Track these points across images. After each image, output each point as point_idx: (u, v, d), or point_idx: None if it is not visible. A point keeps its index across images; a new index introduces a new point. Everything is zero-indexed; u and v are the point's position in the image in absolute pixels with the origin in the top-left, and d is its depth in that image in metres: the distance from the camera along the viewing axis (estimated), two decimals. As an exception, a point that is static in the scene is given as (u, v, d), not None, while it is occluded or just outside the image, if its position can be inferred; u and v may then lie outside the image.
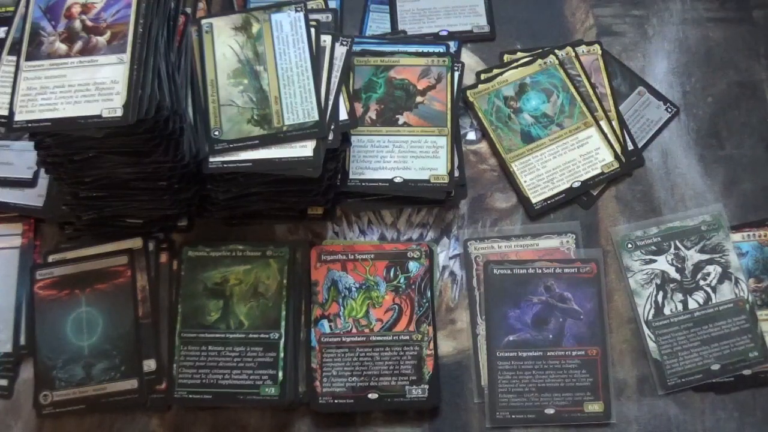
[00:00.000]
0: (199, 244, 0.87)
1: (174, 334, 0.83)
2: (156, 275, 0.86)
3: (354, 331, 0.84)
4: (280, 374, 0.81)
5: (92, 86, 0.72)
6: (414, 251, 0.87)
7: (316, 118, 0.80)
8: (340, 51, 0.85)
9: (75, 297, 0.85)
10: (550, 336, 0.84)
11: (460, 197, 0.90)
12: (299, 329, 0.84)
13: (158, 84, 0.73)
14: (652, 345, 0.84)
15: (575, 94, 0.95)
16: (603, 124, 0.94)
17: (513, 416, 0.82)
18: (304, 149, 0.79)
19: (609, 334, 0.85)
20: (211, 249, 0.86)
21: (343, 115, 0.82)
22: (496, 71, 0.97)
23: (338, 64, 0.85)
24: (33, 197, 0.89)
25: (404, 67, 0.93)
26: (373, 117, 0.91)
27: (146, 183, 0.80)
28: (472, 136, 0.94)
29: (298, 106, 0.81)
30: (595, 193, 0.92)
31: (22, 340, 0.85)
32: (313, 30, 0.84)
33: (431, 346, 0.83)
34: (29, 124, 0.72)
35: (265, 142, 0.80)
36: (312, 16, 0.85)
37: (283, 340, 0.82)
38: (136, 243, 0.86)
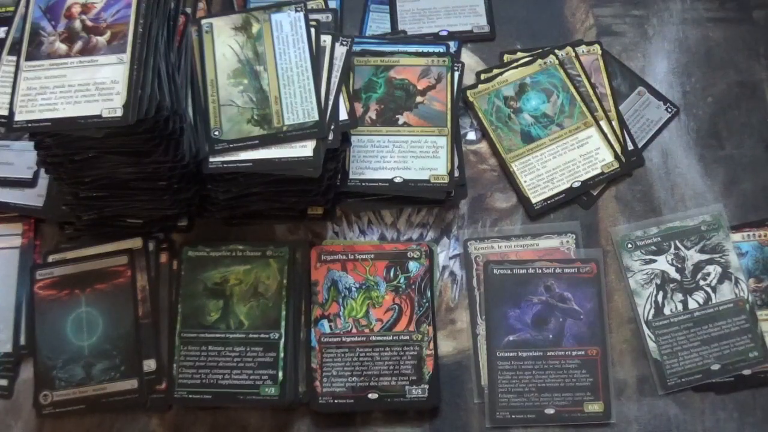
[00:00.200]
0: (199, 244, 0.87)
1: (174, 334, 0.83)
2: (156, 275, 0.86)
3: (354, 331, 0.84)
4: (280, 374, 0.81)
5: (92, 86, 0.72)
6: (414, 251, 0.87)
7: (316, 118, 0.80)
8: (340, 51, 0.85)
9: (75, 297, 0.85)
10: (550, 336, 0.84)
11: (460, 197, 0.90)
12: (299, 329, 0.84)
13: (158, 84, 0.73)
14: (652, 345, 0.84)
15: (575, 94, 0.95)
16: (603, 124, 0.94)
17: (513, 416, 0.82)
18: (304, 149, 0.79)
19: (609, 334, 0.85)
20: (211, 249, 0.86)
21: (343, 115, 0.82)
22: (496, 71, 0.97)
23: (338, 64, 0.85)
24: (33, 197, 0.89)
25: (404, 67, 0.93)
26: (373, 117, 0.91)
27: (146, 183, 0.80)
28: (472, 136, 0.94)
29: (298, 106, 0.81)
30: (595, 193, 0.92)
31: (22, 340, 0.86)
32: (313, 30, 0.84)
33: (431, 346, 0.83)
34: (29, 124, 0.72)
35: (265, 142, 0.80)
36: (312, 16, 0.85)
37: (283, 340, 0.82)
38: (136, 243, 0.86)
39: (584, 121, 0.94)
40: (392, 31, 1.00)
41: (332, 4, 0.99)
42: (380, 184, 0.88)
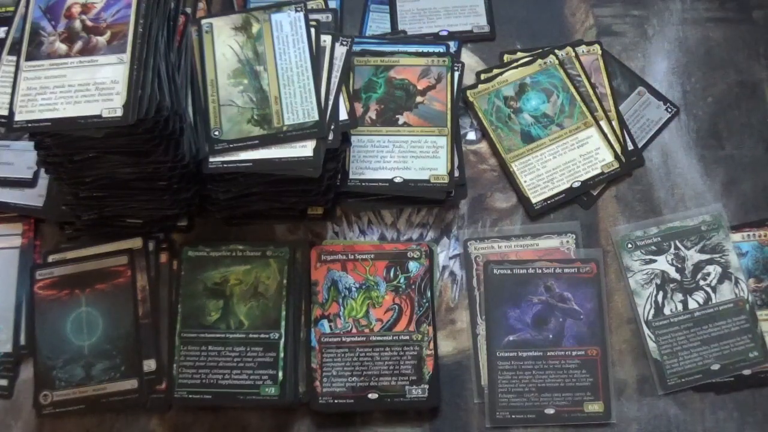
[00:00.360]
0: (199, 244, 0.87)
1: (174, 334, 0.83)
2: (156, 275, 0.86)
3: (354, 331, 0.84)
4: (280, 374, 0.81)
5: (92, 86, 0.72)
6: (414, 251, 0.87)
7: (316, 118, 0.80)
8: (340, 51, 0.85)
9: (75, 297, 0.85)
10: (550, 336, 0.84)
11: (460, 197, 0.90)
12: (299, 329, 0.84)
13: (158, 84, 0.73)
14: (652, 345, 0.84)
15: (575, 94, 0.95)
16: (603, 124, 0.94)
17: (513, 416, 0.82)
18: (304, 149, 0.79)
19: (609, 334, 0.85)
20: (211, 249, 0.86)
21: (343, 115, 0.82)
22: (496, 71, 0.97)
23: (338, 64, 0.85)
24: (33, 197, 0.89)
25: (404, 67, 0.93)
26: (373, 117, 0.91)
27: (146, 183, 0.80)
28: (472, 136, 0.94)
29: (298, 106, 0.81)
30: (595, 193, 0.92)
31: (22, 340, 0.85)
32: (313, 30, 0.84)
33: (431, 346, 0.83)
34: (29, 124, 0.72)
35: (265, 142, 0.80)
36: (312, 16, 0.85)
37: (283, 340, 0.82)
38: (136, 243, 0.86)
39: (584, 121, 0.94)
40: (392, 31, 0.99)
41: (332, 4, 0.99)
42: (380, 184, 0.88)
